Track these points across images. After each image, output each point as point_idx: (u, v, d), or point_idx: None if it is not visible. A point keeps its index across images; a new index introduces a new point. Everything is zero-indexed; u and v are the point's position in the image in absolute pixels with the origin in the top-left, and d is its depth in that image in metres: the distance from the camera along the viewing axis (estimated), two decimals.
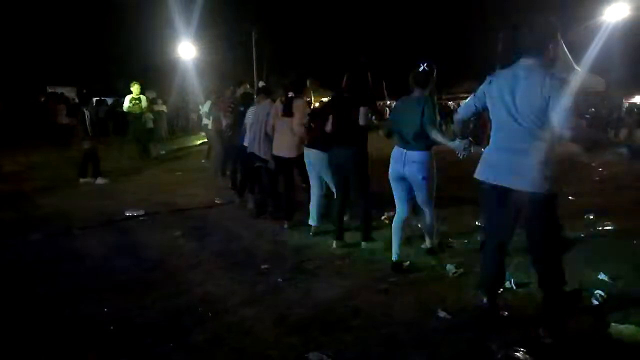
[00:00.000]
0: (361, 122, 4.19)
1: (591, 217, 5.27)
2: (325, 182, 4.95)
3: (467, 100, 3.15)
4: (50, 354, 2.68)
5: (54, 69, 22.58)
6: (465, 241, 4.54)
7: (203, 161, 9.77)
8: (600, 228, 4.92)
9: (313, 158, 4.77)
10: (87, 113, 7.83)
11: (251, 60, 22.91)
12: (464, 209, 5.47)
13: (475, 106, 2.96)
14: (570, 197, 5.91)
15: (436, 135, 3.61)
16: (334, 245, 4.48)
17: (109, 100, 20.06)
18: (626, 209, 5.65)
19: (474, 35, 24.18)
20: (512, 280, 3.49)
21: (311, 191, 4.97)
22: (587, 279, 3.56)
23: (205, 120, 9.23)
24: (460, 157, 3.34)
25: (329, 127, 4.46)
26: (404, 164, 3.77)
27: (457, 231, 4.82)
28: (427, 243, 4.26)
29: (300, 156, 4.94)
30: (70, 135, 13.07)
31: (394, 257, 3.91)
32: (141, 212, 5.79)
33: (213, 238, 4.84)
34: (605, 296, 3.22)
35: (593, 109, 17.10)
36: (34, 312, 3.18)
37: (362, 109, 4.18)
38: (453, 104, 20.28)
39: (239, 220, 5.60)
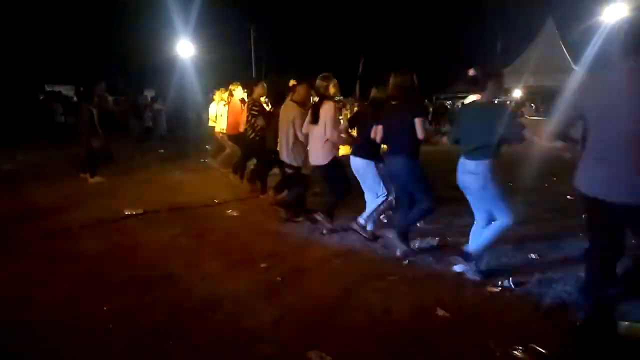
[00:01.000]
0: (420, 135, 3.91)
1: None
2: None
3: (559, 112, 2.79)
4: (49, 354, 2.69)
5: (52, 67, 22.55)
6: (464, 240, 4.55)
7: (202, 161, 9.74)
8: None
9: (358, 166, 4.60)
10: (94, 111, 7.75)
11: (250, 58, 22.90)
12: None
13: (573, 117, 2.71)
14: (568, 197, 5.92)
15: (529, 135, 3.27)
16: (403, 259, 4.09)
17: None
18: None
19: (471, 33, 24.23)
20: (510, 279, 3.51)
21: (366, 197, 4.73)
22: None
23: (211, 122, 9.11)
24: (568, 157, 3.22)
25: (376, 135, 4.30)
26: (463, 173, 3.53)
27: (457, 231, 4.84)
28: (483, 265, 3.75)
29: (333, 163, 4.73)
30: (68, 134, 13.09)
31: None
32: (140, 211, 5.79)
33: (212, 237, 4.85)
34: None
35: None
36: (32, 312, 3.18)
37: (418, 121, 3.89)
38: (450, 103, 20.28)
39: (238, 219, 5.61)
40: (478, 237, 3.64)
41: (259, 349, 2.68)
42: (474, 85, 3.47)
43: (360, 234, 4.63)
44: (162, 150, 12.66)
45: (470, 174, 3.45)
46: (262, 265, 4.00)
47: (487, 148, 3.36)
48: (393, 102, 4.13)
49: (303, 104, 5.21)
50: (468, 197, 3.65)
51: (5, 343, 2.79)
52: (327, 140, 4.63)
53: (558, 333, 2.80)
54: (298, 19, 24.59)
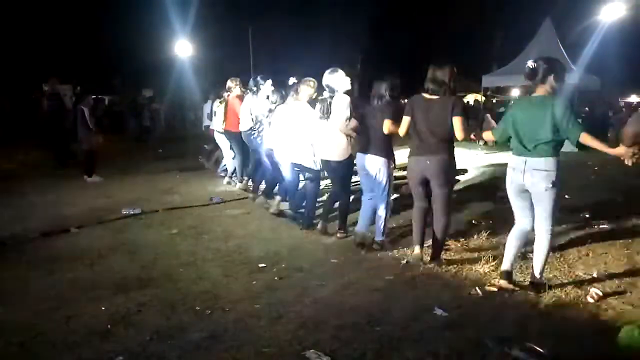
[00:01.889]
0: (460, 135, 3.67)
1: (587, 215, 5.31)
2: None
3: None
4: (46, 354, 2.68)
5: (50, 67, 22.49)
6: (462, 239, 4.56)
7: (200, 158, 9.72)
8: (595, 227, 4.95)
9: (371, 165, 4.32)
10: (85, 110, 7.76)
11: (248, 57, 22.85)
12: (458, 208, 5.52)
13: None
14: (566, 196, 5.93)
15: (585, 139, 3.09)
16: (427, 262, 3.91)
17: (106, 99, 20.02)
18: (618, 208, 5.68)
19: (469, 33, 24.20)
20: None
21: (363, 197, 4.59)
22: (581, 277, 3.60)
23: (206, 122, 9.05)
24: (629, 164, 3.12)
25: (403, 130, 3.96)
26: (524, 172, 3.27)
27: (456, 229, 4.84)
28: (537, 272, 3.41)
29: (348, 160, 4.65)
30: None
31: (504, 267, 3.48)
32: (138, 211, 5.78)
33: (210, 236, 4.84)
34: (601, 294, 3.25)
35: (587, 109, 17.16)
36: (30, 311, 3.17)
37: (459, 120, 3.62)
38: None
39: (235, 218, 5.61)
40: (519, 242, 3.48)
41: (257, 348, 2.68)
42: (533, 78, 3.26)
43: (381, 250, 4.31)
44: (160, 150, 12.64)
45: (537, 172, 3.20)
46: (260, 264, 4.00)
47: (553, 144, 3.17)
48: (429, 97, 3.78)
49: (310, 102, 5.09)
50: (516, 200, 3.43)
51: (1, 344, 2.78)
52: (340, 134, 4.53)
53: (556, 332, 2.80)
54: (297, 18, 24.54)
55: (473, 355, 2.59)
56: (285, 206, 5.76)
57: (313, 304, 3.25)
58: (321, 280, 3.66)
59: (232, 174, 7.64)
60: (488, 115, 15.12)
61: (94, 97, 17.92)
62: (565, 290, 3.36)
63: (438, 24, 25.51)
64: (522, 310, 3.10)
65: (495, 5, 23.63)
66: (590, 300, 3.19)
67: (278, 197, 5.77)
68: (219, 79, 10.02)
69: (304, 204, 5.26)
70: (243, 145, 6.95)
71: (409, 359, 2.56)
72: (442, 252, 4.04)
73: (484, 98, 19.06)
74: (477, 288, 3.40)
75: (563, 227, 4.75)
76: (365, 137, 4.38)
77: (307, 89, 5.08)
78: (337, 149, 4.62)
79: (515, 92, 15.81)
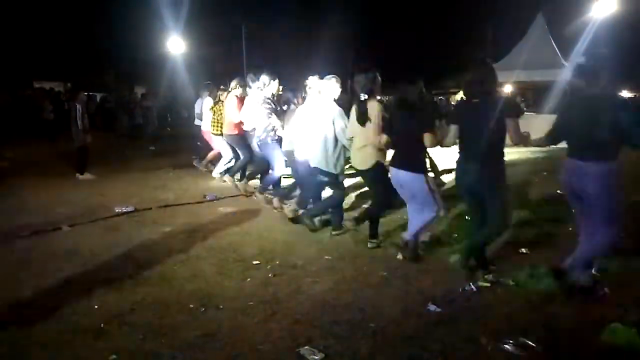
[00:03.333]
0: (515, 140, 3.37)
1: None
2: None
3: None
4: (40, 354, 2.67)
5: (41, 63, 22.30)
6: (455, 235, 4.58)
7: (193, 157, 9.66)
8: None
9: (405, 181, 3.87)
10: (78, 107, 7.69)
11: (241, 55, 22.78)
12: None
13: None
14: (558, 191, 5.96)
15: None
16: (482, 281, 3.48)
17: (98, 96, 19.89)
18: None
19: (461, 29, 24.27)
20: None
21: (408, 207, 4.11)
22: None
23: (197, 121, 8.82)
24: None
25: (451, 139, 3.65)
26: (577, 176, 3.13)
27: (449, 224, 4.86)
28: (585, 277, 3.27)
29: (376, 168, 4.21)
30: (57, 131, 12.98)
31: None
32: (131, 209, 5.75)
33: (203, 234, 4.82)
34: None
35: None
36: (22, 310, 3.15)
37: (513, 123, 3.31)
38: (443, 99, 20.32)
39: (229, 216, 5.59)
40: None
41: (250, 344, 2.68)
42: (585, 76, 3.11)
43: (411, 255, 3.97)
44: (152, 147, 12.57)
45: (590, 177, 3.05)
46: (254, 262, 3.99)
47: (610, 147, 3.01)
48: (472, 101, 3.45)
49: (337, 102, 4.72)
50: (575, 205, 3.32)
51: None
52: (370, 144, 4.15)
53: (549, 327, 2.82)
54: (290, 16, 24.49)
55: (466, 351, 2.61)
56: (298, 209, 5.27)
57: (307, 300, 3.26)
58: (315, 277, 3.66)
59: (234, 173, 7.23)
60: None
61: (85, 94, 17.85)
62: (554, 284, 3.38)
63: (431, 22, 25.55)
64: (514, 306, 3.12)
65: (488, 1, 23.71)
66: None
67: (294, 201, 5.41)
68: (210, 77, 9.92)
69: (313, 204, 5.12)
70: (247, 146, 6.74)
71: (403, 355, 2.58)
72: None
73: None
74: (470, 284, 3.41)
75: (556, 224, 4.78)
76: (396, 150, 3.99)
77: (333, 85, 4.72)
78: (362, 155, 4.26)
79: (507, 89, 15.81)
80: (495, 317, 2.98)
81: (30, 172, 8.47)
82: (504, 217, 3.47)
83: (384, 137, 4.02)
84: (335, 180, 4.79)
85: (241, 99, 6.70)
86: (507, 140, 3.38)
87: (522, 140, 3.40)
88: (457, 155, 3.60)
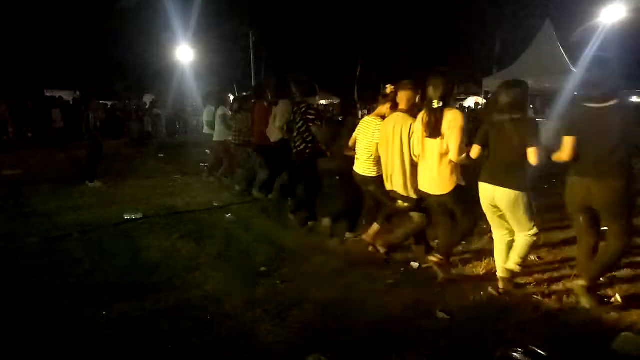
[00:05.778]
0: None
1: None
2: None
3: None
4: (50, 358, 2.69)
5: (52, 72, 22.61)
6: (464, 243, 4.55)
7: (201, 165, 9.70)
8: None
9: (497, 198, 3.28)
10: (90, 115, 7.77)
11: (249, 62, 22.93)
12: None
13: None
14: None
15: None
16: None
17: (108, 104, 20.08)
18: None
19: (469, 36, 24.24)
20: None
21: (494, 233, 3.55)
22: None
23: (206, 129, 8.49)
24: None
25: (568, 154, 3.10)
26: (592, 194, 2.98)
27: None
28: None
29: (455, 192, 3.52)
30: (68, 138, 13.13)
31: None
32: (140, 216, 5.78)
33: (212, 241, 4.84)
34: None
35: None
36: (32, 316, 3.17)
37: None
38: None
39: (237, 223, 5.60)
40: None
41: (258, 351, 2.68)
42: (592, 85, 2.95)
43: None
44: (161, 155, 12.65)
45: (607, 194, 2.93)
46: (262, 269, 4.00)
47: (625, 162, 2.89)
48: (597, 106, 2.97)
49: (411, 113, 3.89)
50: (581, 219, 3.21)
51: (4, 347, 2.78)
52: (450, 161, 3.48)
53: (559, 335, 2.79)
54: (297, 22, 24.63)
55: (475, 358, 2.58)
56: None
57: (315, 307, 3.25)
58: (323, 284, 3.66)
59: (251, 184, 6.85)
60: None
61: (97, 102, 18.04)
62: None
63: (439, 27, 25.55)
64: (524, 314, 3.10)
65: (496, 7, 23.68)
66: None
67: (328, 219, 4.91)
68: (216, 86, 9.91)
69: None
70: (274, 158, 6.28)
71: None
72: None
73: (484, 101, 19.07)
74: (480, 291, 3.39)
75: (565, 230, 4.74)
76: (489, 163, 3.38)
77: (407, 93, 3.91)
78: (438, 178, 3.55)
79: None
80: (505, 325, 2.95)
81: (41, 180, 8.55)
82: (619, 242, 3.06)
83: (475, 150, 3.41)
84: (416, 205, 3.93)
85: (270, 104, 6.38)
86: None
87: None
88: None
